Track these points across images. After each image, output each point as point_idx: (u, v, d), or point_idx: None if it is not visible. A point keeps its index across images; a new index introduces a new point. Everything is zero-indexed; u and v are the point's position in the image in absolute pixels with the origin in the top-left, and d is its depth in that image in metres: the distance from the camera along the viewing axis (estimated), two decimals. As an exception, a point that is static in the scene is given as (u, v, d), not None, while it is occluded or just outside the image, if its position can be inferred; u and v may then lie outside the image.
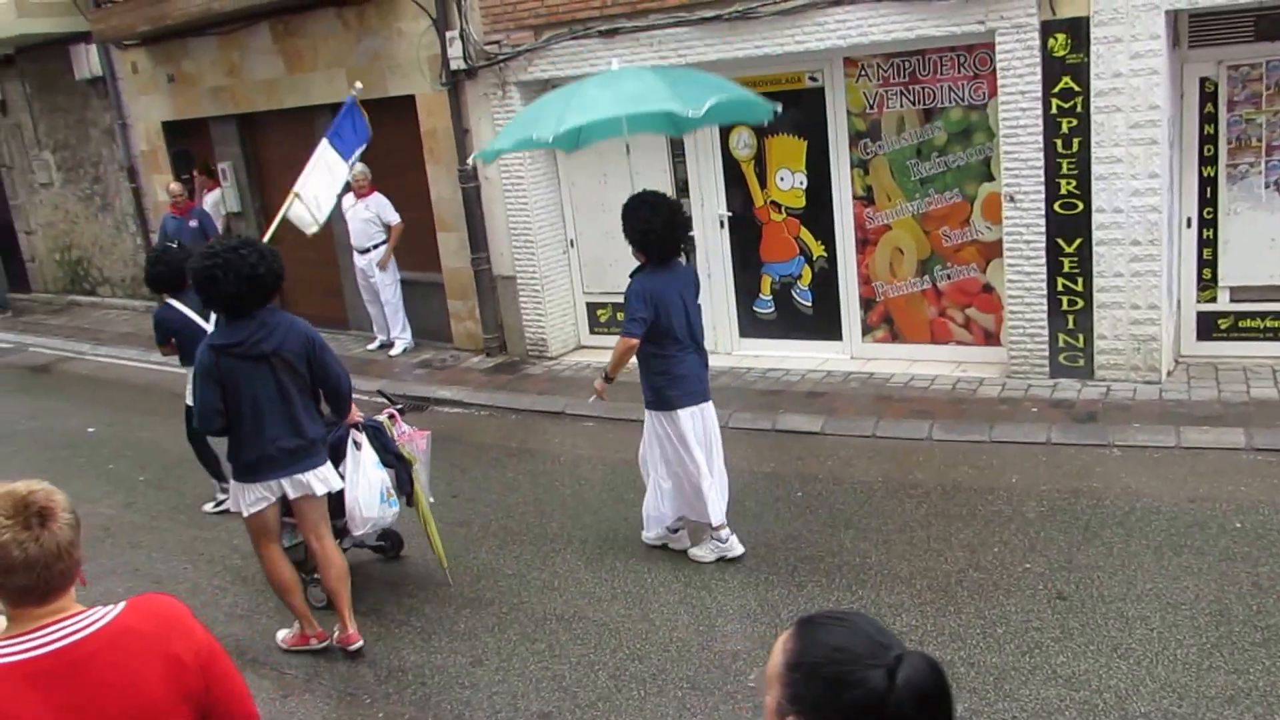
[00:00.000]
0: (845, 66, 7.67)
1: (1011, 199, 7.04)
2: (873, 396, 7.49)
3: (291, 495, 4.77)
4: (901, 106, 7.58)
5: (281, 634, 5.13)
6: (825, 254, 8.17)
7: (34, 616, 2.05)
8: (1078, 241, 6.91)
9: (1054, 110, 6.78)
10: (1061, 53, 6.67)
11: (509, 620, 5.14)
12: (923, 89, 7.47)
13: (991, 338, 7.73)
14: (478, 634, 5.05)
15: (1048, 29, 6.67)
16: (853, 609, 1.67)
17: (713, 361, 8.39)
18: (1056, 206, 6.91)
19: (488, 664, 4.79)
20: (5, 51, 13.79)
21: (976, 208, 7.52)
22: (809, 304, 8.40)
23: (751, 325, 8.72)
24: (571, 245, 9.45)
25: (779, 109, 5.91)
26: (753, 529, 5.77)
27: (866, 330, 8.21)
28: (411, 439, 5.36)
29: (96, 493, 7.40)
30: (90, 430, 8.78)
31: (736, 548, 5.44)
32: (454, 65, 9.01)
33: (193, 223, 10.42)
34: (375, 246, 9.84)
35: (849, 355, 8.25)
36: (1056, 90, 6.74)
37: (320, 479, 4.80)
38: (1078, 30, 6.59)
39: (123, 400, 10.05)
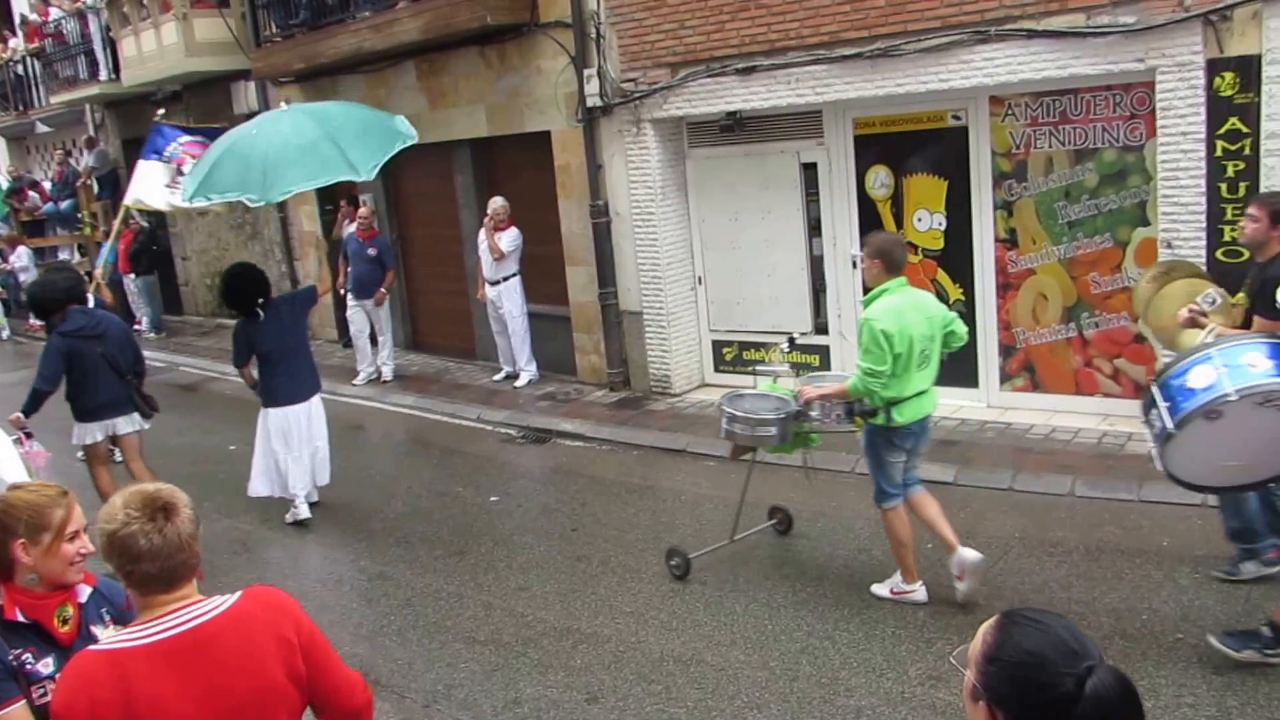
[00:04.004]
0: (991, 105, 7.44)
1: (1169, 245, 6.65)
2: (1010, 448, 7.15)
3: (119, 432, 6.89)
4: (1050, 147, 7.29)
5: None
6: (963, 297, 7.89)
7: (161, 603, 2.25)
8: (1241, 293, 6.46)
9: (1219, 153, 6.39)
10: (1229, 92, 6.30)
11: (626, 658, 5.06)
12: (1074, 129, 7.17)
13: (1142, 391, 7.29)
14: (594, 670, 4.98)
15: (1214, 67, 6.32)
16: (1054, 612, 1.69)
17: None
18: (1219, 254, 6.49)
19: (604, 702, 4.70)
20: (174, 88, 14.71)
21: (1129, 253, 7.14)
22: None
23: (882, 369, 8.47)
24: (699, 282, 9.41)
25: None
26: (879, 579, 5.54)
27: (1005, 378, 7.87)
28: (33, 456, 5.94)
29: (235, 509, 7.65)
30: (231, 448, 9.13)
31: (304, 512, 7.22)
32: (590, 102, 9.14)
33: (370, 250, 10.80)
34: (506, 279, 10.00)
35: (985, 403, 7.91)
36: (1222, 132, 6.36)
37: (130, 421, 6.92)
38: (1247, 69, 6.21)
39: (262, 419, 10.43)
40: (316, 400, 7.29)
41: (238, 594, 2.33)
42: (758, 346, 9.10)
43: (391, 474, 8.42)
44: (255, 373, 7.23)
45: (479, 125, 10.47)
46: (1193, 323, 4.69)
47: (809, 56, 7.78)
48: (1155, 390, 4.18)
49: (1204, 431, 4.02)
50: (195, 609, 2.25)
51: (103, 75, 15.29)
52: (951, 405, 7.94)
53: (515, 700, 4.79)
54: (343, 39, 10.94)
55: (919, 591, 5.30)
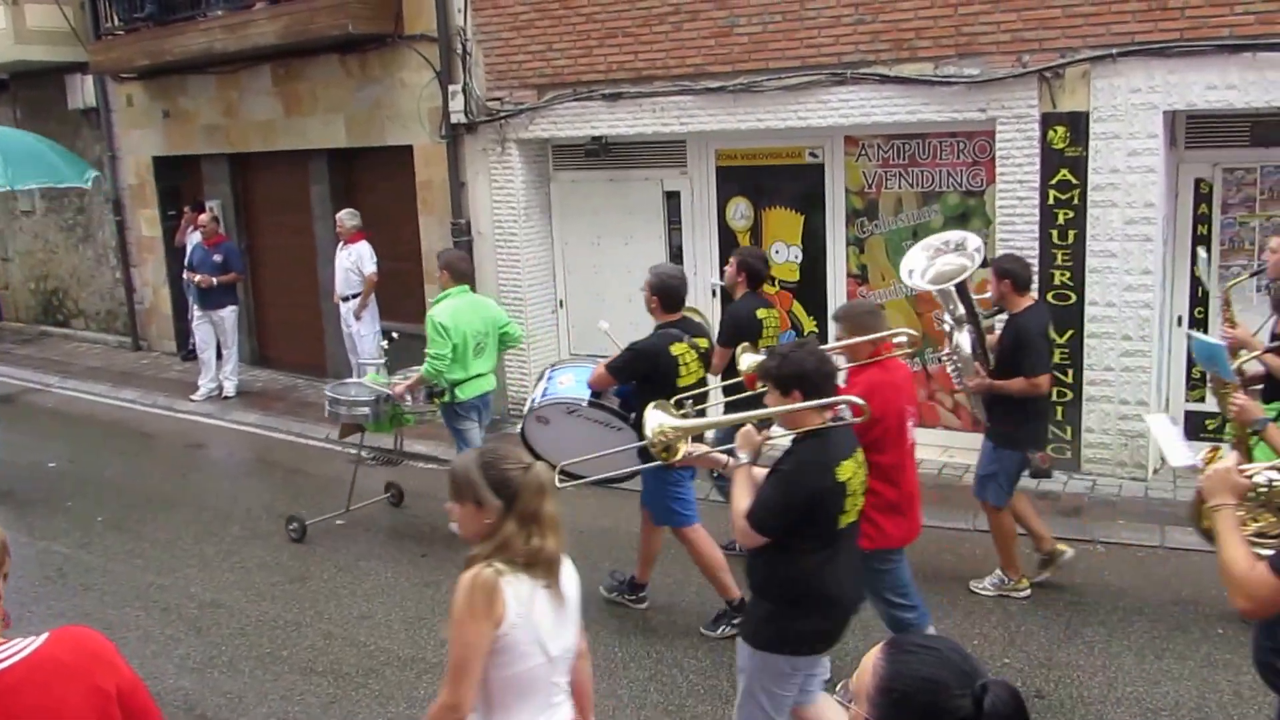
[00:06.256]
0: (846, 145, 7.71)
1: (1005, 286, 7.01)
2: (857, 477, 7.36)
3: None
4: (900, 188, 7.61)
5: None
6: (817, 329, 8.12)
7: None
8: (1069, 333, 6.88)
9: (1051, 201, 6.81)
10: (1061, 145, 6.72)
11: (473, 689, 4.91)
12: (922, 172, 7.51)
13: (980, 424, 7.63)
14: (439, 702, 4.82)
15: (1048, 121, 6.73)
16: (937, 635, 1.72)
17: (696, 431, 8.38)
18: (1050, 297, 6.89)
19: (448, 735, 4.55)
20: (1, 77, 13.72)
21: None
22: (796, 379, 8.31)
23: (737, 397, 8.61)
24: (561, 305, 9.36)
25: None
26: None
27: (853, 409, 8.12)
28: None
29: (52, 530, 7.13)
30: (51, 465, 8.51)
31: None
32: (454, 119, 9.00)
33: (216, 256, 10.23)
34: (355, 295, 9.69)
35: (834, 433, 8.13)
36: (1054, 182, 6.78)
37: None
38: (1077, 124, 6.65)
39: (87, 436, 9.79)
40: None
41: (43, 637, 2.06)
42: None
43: (230, 495, 8.00)
44: None
45: (337, 135, 10.17)
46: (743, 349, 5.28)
47: (674, 87, 7.89)
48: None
49: (546, 430, 5.37)
50: None
51: (-86, 58, 14.09)
52: (802, 434, 8.14)
53: (354, 735, 4.59)
54: (192, 37, 10.45)
55: None
